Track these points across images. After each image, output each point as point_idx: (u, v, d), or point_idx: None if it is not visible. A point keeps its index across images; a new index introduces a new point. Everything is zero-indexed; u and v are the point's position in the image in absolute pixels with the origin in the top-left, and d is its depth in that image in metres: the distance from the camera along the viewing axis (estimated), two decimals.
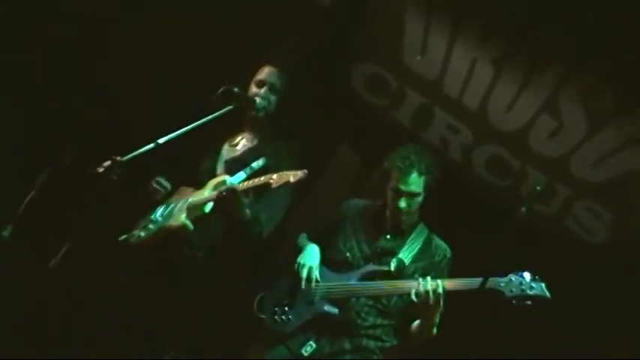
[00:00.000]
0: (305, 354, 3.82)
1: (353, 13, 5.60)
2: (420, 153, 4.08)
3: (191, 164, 4.54)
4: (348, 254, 4.04)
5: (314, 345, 3.84)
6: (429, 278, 3.67)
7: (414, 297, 3.66)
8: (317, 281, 3.97)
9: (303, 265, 4.00)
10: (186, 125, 3.96)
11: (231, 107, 4.21)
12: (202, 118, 4.04)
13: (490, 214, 5.20)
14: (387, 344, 3.94)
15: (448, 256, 4.06)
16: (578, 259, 5.21)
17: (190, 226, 4.07)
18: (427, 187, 3.99)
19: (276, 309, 4.03)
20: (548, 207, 5.38)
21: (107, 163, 3.51)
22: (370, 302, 3.92)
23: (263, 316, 4.08)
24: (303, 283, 3.96)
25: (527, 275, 3.55)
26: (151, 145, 3.64)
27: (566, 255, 5.17)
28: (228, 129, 4.56)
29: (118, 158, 3.52)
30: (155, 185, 4.39)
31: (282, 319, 3.98)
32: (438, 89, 5.55)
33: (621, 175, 5.14)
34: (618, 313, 5.13)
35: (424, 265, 3.96)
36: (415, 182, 3.92)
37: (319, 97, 5.52)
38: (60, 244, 4.18)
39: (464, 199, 5.29)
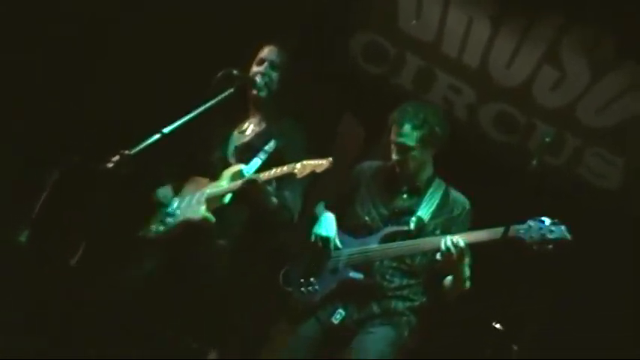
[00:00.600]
0: (335, 322, 3.81)
1: None
2: (419, 107, 4.03)
3: (199, 153, 4.51)
4: (366, 218, 4.00)
5: (343, 312, 3.83)
6: (449, 236, 3.64)
7: (438, 256, 3.65)
8: (337, 248, 3.96)
9: (320, 235, 3.99)
10: (190, 113, 3.93)
11: (232, 90, 4.17)
12: (204, 103, 4.01)
13: (502, 170, 5.21)
14: (417, 303, 3.92)
15: (467, 208, 4.01)
16: (593, 206, 5.22)
17: (212, 218, 4.08)
18: (424, 142, 3.92)
19: (301, 281, 4.02)
20: (559, 157, 5.37)
21: (116, 157, 3.50)
22: (394, 264, 3.89)
23: (289, 288, 4.07)
24: (323, 252, 3.97)
25: (546, 220, 3.51)
26: (157, 136, 3.62)
27: (580, 203, 5.18)
28: (234, 116, 4.54)
29: (127, 152, 3.51)
30: (156, 197, 4.40)
31: (308, 289, 3.97)
32: (437, 51, 5.53)
33: (627, 119, 5.14)
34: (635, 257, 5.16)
35: (444, 221, 3.92)
36: (407, 135, 3.86)
37: (320, 72, 5.50)
38: (75, 243, 4.18)
39: (474, 157, 5.29)
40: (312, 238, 4.03)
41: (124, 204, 4.52)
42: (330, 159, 3.68)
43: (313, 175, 3.74)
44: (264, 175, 3.93)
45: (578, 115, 5.31)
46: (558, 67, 5.30)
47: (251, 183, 3.93)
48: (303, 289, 3.99)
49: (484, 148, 5.52)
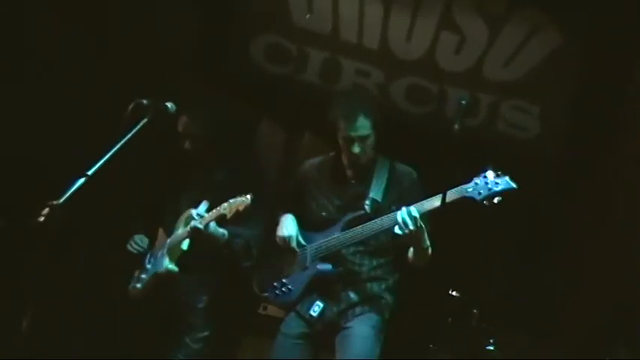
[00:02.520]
0: (314, 314, 3.86)
1: None
2: (357, 95, 4.12)
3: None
4: (323, 213, 4.02)
5: (321, 304, 3.87)
6: (403, 208, 3.64)
7: (397, 230, 3.65)
8: (302, 246, 3.99)
9: (283, 236, 4.01)
10: (108, 150, 3.82)
11: (146, 120, 4.08)
12: (121, 139, 3.90)
13: (426, 141, 5.26)
14: (390, 282, 3.96)
15: (414, 176, 4.06)
16: (519, 157, 5.31)
17: (175, 269, 4.30)
18: (375, 126, 3.94)
19: (275, 284, 4.05)
20: (477, 117, 5.46)
21: (45, 210, 3.37)
22: (361, 248, 3.90)
23: (265, 294, 4.12)
24: (289, 251, 4.01)
25: (489, 174, 3.53)
26: (82, 180, 3.51)
27: (507, 157, 5.25)
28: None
29: (55, 202, 3.39)
30: (131, 247, 4.58)
31: (282, 291, 4.00)
32: (337, 40, 5.56)
33: (535, 65, 5.25)
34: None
35: (396, 195, 3.94)
36: (363, 125, 3.86)
37: (230, 86, 5.48)
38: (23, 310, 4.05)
39: (396, 135, 5.31)
40: (278, 241, 4.04)
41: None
42: (249, 195, 3.96)
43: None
44: (204, 219, 4.19)
45: (486, 73, 5.40)
46: (456, 30, 5.38)
47: (192, 230, 4.20)
48: (277, 291, 4.03)
49: (403, 123, 5.55)
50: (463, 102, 3.62)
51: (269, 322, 4.69)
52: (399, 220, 3.61)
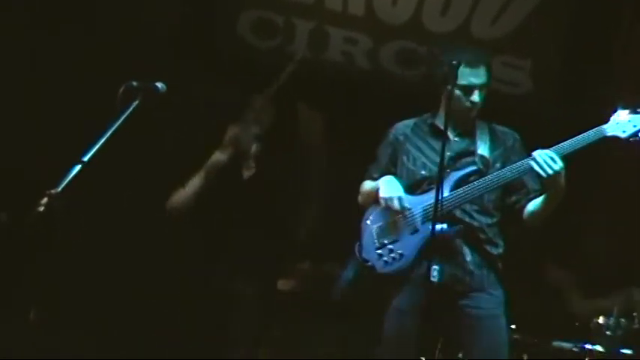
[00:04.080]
0: (434, 280, 3.48)
1: None
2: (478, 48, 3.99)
3: None
4: (422, 172, 3.77)
5: (438, 267, 3.51)
6: (539, 151, 3.46)
7: (538, 170, 3.43)
8: (409, 208, 3.70)
9: (391, 198, 3.69)
10: (102, 134, 3.81)
11: (137, 102, 4.07)
12: (114, 122, 3.89)
13: (419, 104, 5.23)
14: (501, 246, 3.76)
15: (518, 137, 3.87)
16: (512, 114, 5.30)
17: None
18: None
19: (379, 252, 3.75)
20: None
21: (44, 200, 3.36)
22: (474, 207, 3.67)
23: (369, 263, 3.78)
24: (397, 214, 3.71)
25: (622, 112, 3.45)
26: (79, 166, 3.50)
27: (501, 114, 5.24)
28: None
29: (52, 191, 3.38)
30: None
31: (392, 257, 3.71)
32: (322, 9, 5.54)
33: (523, 19, 5.25)
34: None
35: (502, 154, 3.76)
36: (485, 74, 3.69)
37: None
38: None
39: (390, 100, 5.31)
40: (382, 203, 3.73)
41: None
42: None
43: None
44: None
45: (473, 32, 5.39)
46: None
47: None
48: (385, 258, 3.72)
49: (396, 88, 5.54)
50: (454, 62, 3.59)
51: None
52: (540, 162, 3.42)
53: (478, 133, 3.79)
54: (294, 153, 4.62)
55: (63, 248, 4.35)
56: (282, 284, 4.92)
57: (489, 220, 3.72)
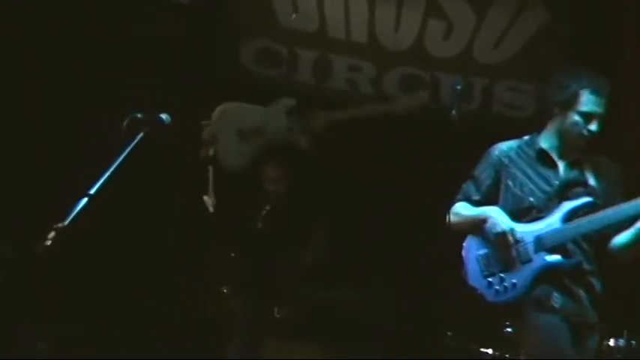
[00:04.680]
0: (556, 306, 3.44)
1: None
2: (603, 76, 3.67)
3: None
4: (531, 199, 3.61)
5: (559, 296, 3.45)
6: None
7: None
8: (520, 240, 3.55)
9: (504, 232, 3.53)
10: (108, 168, 3.81)
11: (142, 134, 4.07)
12: (120, 154, 3.90)
13: (422, 130, 5.24)
14: (600, 281, 3.59)
15: (619, 169, 3.72)
16: (519, 137, 5.30)
17: None
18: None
19: (489, 280, 3.60)
20: (472, 101, 5.47)
21: (51, 234, 3.36)
22: (585, 240, 3.54)
23: (478, 292, 3.63)
24: (513, 245, 3.53)
25: None
26: (85, 200, 3.49)
27: (506, 138, 5.24)
28: None
29: (60, 225, 3.38)
30: None
31: (504, 287, 3.56)
32: (325, 37, 5.58)
33: (525, 43, 5.27)
34: None
35: (609, 187, 3.60)
36: (606, 103, 3.54)
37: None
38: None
39: (393, 128, 5.31)
40: (493, 237, 3.59)
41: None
42: None
43: None
44: None
45: (476, 57, 5.42)
46: (443, 16, 5.42)
47: None
48: (497, 287, 3.58)
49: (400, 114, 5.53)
50: (458, 87, 3.59)
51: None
52: None
53: (588, 163, 3.63)
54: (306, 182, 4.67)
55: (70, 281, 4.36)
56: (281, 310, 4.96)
57: (594, 253, 3.58)
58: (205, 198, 4.75)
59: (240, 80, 5.66)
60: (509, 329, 4.66)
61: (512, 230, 3.50)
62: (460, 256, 4.09)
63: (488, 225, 3.58)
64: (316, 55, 5.60)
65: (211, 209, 4.72)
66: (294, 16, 5.50)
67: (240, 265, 4.80)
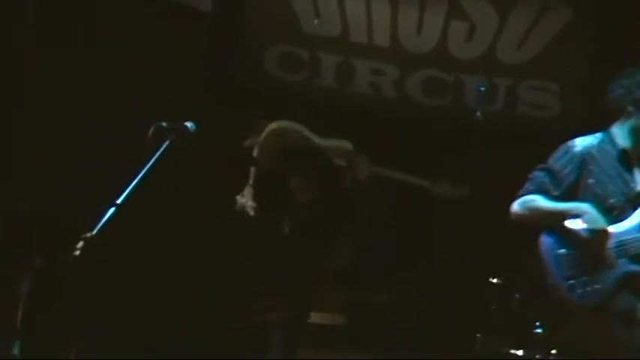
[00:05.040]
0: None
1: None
2: None
3: None
4: (612, 200, 3.45)
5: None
6: None
7: None
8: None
9: (604, 229, 3.39)
10: (134, 177, 3.84)
11: (168, 143, 4.10)
12: (145, 164, 3.92)
13: (447, 133, 5.24)
14: None
15: None
16: (542, 137, 5.28)
17: None
18: None
19: (570, 282, 3.42)
20: (496, 103, 5.43)
21: (80, 244, 3.39)
22: None
23: (560, 293, 3.48)
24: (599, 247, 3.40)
25: None
26: (113, 209, 3.52)
27: (530, 138, 5.23)
28: None
29: (88, 234, 3.41)
30: None
31: (587, 291, 3.38)
32: (347, 42, 5.58)
33: (548, 42, 5.24)
34: None
35: None
36: None
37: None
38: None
39: (417, 130, 5.31)
40: (590, 233, 3.40)
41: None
42: None
43: None
44: None
45: (499, 57, 5.40)
46: (465, 18, 5.42)
47: None
48: (579, 291, 3.42)
49: (422, 117, 5.54)
50: (482, 88, 3.59)
51: (324, 331, 4.71)
52: None
53: None
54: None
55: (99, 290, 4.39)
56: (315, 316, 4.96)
57: None
58: (239, 198, 4.76)
59: (264, 86, 5.67)
60: (538, 330, 4.66)
61: (605, 231, 3.36)
62: (489, 258, 4.07)
63: (584, 219, 3.38)
64: (339, 59, 5.60)
65: (251, 212, 4.73)
66: (316, 21, 5.51)
67: (269, 271, 4.81)
